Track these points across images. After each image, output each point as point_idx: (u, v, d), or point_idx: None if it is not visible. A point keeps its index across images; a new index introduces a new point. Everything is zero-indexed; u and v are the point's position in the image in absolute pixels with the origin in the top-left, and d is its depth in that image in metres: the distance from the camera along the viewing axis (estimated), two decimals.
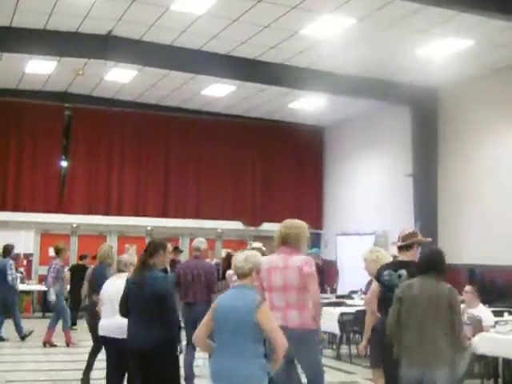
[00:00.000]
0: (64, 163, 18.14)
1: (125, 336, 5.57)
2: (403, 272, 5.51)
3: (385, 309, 5.31)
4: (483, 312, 8.40)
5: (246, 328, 4.25)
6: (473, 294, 8.49)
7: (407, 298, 4.89)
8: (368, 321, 6.38)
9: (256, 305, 4.30)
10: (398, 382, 4.89)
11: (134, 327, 5.40)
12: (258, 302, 4.34)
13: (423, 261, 5.09)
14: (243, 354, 4.28)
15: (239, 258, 4.59)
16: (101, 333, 6.29)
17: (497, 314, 9.27)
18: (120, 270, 6.45)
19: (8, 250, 12.36)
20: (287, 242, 5.63)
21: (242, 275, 4.50)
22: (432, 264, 4.96)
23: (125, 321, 5.58)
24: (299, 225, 5.73)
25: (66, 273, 12.48)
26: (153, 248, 5.59)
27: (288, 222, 5.78)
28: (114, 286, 6.13)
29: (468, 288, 8.62)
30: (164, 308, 5.30)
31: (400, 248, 5.75)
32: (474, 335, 7.65)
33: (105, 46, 13.13)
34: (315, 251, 12.71)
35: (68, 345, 11.51)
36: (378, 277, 5.73)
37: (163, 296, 5.31)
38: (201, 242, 8.55)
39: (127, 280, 5.66)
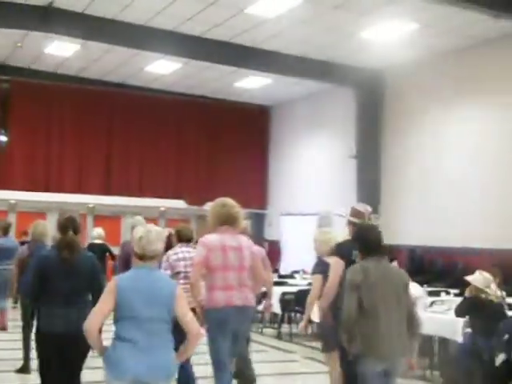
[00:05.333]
0: (2, 138, 17.62)
1: None
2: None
3: None
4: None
5: None
6: None
7: (366, 283, 4.51)
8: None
9: None
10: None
11: None
12: None
13: (372, 241, 4.71)
14: None
15: None
16: None
17: (434, 294, 9.49)
18: None
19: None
20: (230, 221, 5.46)
21: None
22: (380, 244, 4.72)
23: None
24: (237, 204, 5.57)
25: None
26: None
27: (228, 201, 5.56)
28: None
29: None
30: None
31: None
32: None
33: (45, 17, 12.69)
34: None
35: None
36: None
37: None
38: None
39: None
